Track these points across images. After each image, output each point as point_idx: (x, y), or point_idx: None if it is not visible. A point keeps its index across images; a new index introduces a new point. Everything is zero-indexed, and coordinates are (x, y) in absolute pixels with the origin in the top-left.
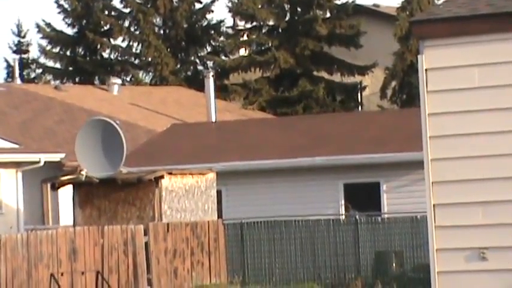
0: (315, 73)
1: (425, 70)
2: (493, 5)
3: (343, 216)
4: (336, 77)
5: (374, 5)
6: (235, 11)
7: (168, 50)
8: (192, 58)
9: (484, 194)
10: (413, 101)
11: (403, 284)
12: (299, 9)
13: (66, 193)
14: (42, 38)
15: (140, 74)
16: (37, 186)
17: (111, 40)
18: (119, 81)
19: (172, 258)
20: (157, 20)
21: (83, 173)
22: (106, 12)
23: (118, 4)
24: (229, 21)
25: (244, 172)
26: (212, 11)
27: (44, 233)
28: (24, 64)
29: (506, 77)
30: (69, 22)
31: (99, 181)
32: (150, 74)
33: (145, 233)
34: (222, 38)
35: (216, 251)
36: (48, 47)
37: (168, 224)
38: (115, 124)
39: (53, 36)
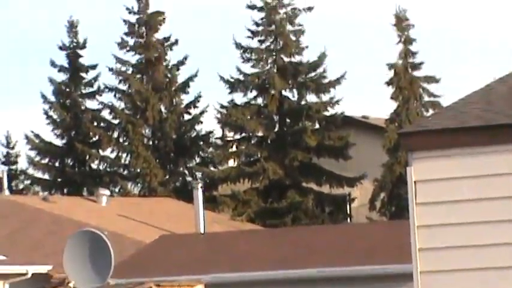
0: (303, 184)
1: (414, 182)
2: (482, 118)
3: None
4: (325, 189)
5: (363, 116)
6: (224, 122)
7: (157, 161)
8: (181, 169)
9: None
10: (403, 213)
11: None
12: (288, 120)
13: None
14: (30, 149)
15: (129, 185)
16: None
17: (100, 151)
18: (108, 192)
19: None
20: (146, 131)
21: (71, 285)
22: (95, 123)
23: (107, 115)
24: (218, 132)
25: (234, 284)
26: (201, 122)
27: None
28: (12, 175)
29: (495, 189)
30: (58, 133)
31: None
32: (139, 185)
33: None
34: (211, 149)
35: None
36: (37, 158)
37: None
38: (103, 235)
39: (41, 147)
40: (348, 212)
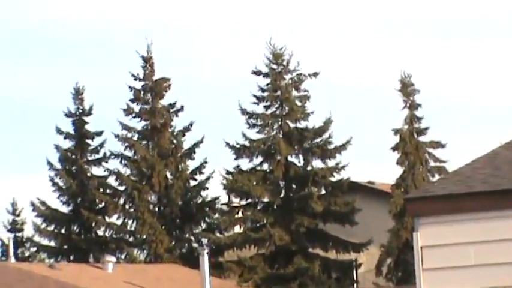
0: (310, 250)
1: (421, 248)
2: (488, 183)
3: None
4: (331, 254)
5: (369, 182)
6: (230, 188)
7: (163, 227)
8: (187, 235)
9: None
10: (409, 278)
11: None
12: (294, 186)
13: None
14: (36, 216)
15: (135, 252)
16: None
17: (106, 218)
18: (114, 259)
19: None
20: (152, 198)
21: None
22: (101, 190)
23: (113, 182)
24: (224, 198)
25: None
26: (207, 188)
27: None
28: (18, 243)
29: (503, 255)
30: (64, 200)
31: None
32: (145, 251)
33: None
34: (216, 215)
35: None
36: (43, 225)
37: None
38: None
39: (47, 214)
40: (355, 277)
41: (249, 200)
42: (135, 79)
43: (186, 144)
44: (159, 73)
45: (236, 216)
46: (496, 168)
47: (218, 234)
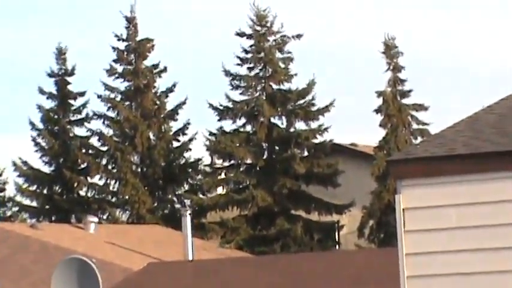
0: (292, 212)
1: (403, 210)
2: (469, 146)
3: None
4: (314, 216)
5: (352, 144)
6: (212, 149)
7: (145, 188)
8: (169, 196)
9: None
10: (391, 240)
11: None
12: (277, 147)
13: None
14: (18, 176)
15: (117, 212)
16: None
17: (88, 178)
18: (96, 219)
19: None
20: (135, 158)
21: None
22: (83, 150)
23: (95, 142)
24: (207, 160)
25: None
26: (190, 150)
27: None
28: (0, 203)
29: (484, 217)
30: (46, 160)
31: None
32: (127, 212)
33: None
34: (199, 176)
35: None
36: (25, 185)
37: None
38: (91, 263)
39: (29, 174)
40: (337, 239)
41: (232, 162)
42: (119, 40)
43: (169, 105)
44: (142, 34)
45: (219, 177)
46: (477, 131)
47: (201, 196)
